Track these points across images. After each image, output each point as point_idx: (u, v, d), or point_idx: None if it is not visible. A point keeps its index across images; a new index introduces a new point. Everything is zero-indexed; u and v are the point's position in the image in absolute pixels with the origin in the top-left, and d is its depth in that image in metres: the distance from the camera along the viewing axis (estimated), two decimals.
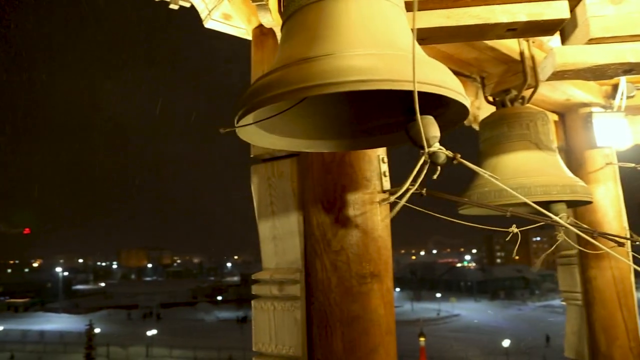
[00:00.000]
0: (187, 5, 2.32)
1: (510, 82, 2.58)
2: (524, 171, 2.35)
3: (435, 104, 1.16)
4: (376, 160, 1.80)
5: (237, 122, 1.12)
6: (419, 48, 1.10)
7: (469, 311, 63.03)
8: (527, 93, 2.56)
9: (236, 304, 77.20)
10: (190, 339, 49.20)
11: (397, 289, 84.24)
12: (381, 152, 1.84)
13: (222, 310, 76.65)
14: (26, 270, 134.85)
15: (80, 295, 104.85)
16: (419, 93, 0.96)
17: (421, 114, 1.03)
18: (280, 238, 1.96)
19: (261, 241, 2.01)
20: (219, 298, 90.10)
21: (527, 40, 2.50)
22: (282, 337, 1.92)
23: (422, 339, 31.27)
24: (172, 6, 2.26)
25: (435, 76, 0.97)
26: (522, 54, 2.47)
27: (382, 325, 1.75)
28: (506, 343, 37.41)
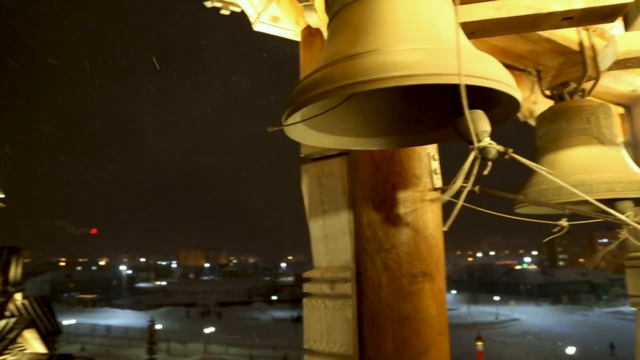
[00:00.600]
0: (238, 10, 2.37)
1: (569, 74, 2.46)
2: (585, 167, 2.24)
3: (485, 97, 1.13)
4: (426, 158, 1.77)
5: (285, 121, 1.14)
6: (466, 41, 1.08)
7: (530, 316, 60.54)
8: (587, 85, 2.43)
9: (290, 303, 78.11)
10: (246, 337, 50.20)
11: (453, 292, 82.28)
12: (431, 149, 1.81)
13: (276, 309, 77.76)
14: (93, 268, 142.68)
15: (143, 292, 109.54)
16: (468, 87, 0.94)
17: (470, 108, 1.01)
18: (331, 237, 1.97)
19: (312, 240, 2.03)
20: (274, 298, 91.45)
21: (587, 29, 2.38)
22: (333, 336, 1.93)
23: (479, 343, 30.38)
24: (222, 12, 2.32)
25: (484, 69, 0.95)
26: (581, 43, 2.35)
27: (434, 326, 1.73)
28: (571, 350, 35.61)
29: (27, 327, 19.95)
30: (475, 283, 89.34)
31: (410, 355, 1.70)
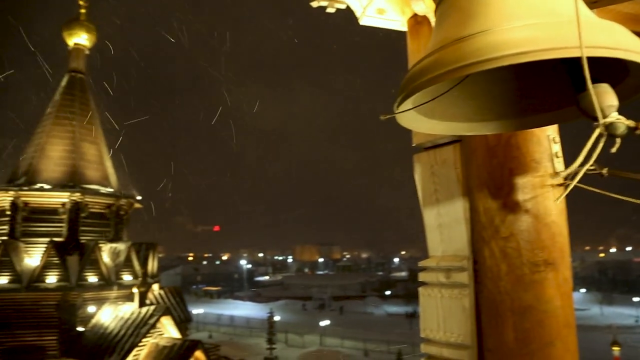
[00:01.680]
0: (343, 6, 2.43)
1: None
2: None
3: (612, 70, 1.06)
4: (546, 141, 1.68)
5: (397, 109, 1.16)
6: (587, 11, 1.02)
7: None
8: None
9: (404, 299, 77.42)
10: (360, 331, 50.75)
11: (582, 290, 75.55)
12: (552, 131, 1.72)
13: (390, 304, 77.56)
14: (217, 262, 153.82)
15: (262, 285, 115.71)
16: (590, 60, 0.89)
17: (594, 82, 0.95)
18: (445, 225, 1.96)
19: (426, 229, 2.03)
20: (388, 292, 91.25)
21: None
22: (450, 325, 1.92)
23: (616, 348, 27.56)
24: (329, 10, 2.39)
25: (608, 38, 0.89)
26: None
27: (559, 317, 1.64)
28: None
29: (164, 314, 22.01)
30: (609, 282, 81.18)
31: (534, 348, 1.63)
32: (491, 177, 1.73)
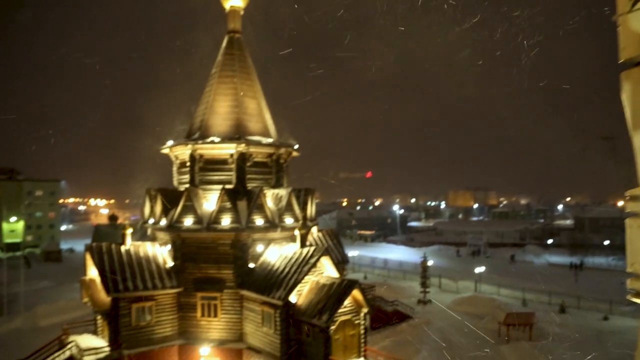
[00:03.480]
0: None
1: None
2: None
3: None
4: None
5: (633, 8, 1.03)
6: None
7: None
8: None
9: (569, 248, 71.76)
10: (518, 280, 48.60)
11: None
12: None
13: (552, 254, 72.58)
14: (370, 207, 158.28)
15: (414, 231, 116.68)
16: None
17: None
18: None
19: (636, 154, 1.82)
20: (549, 241, 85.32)
21: None
22: None
23: None
24: None
25: None
26: None
27: None
28: None
29: (323, 254, 23.55)
30: None
31: None
32: None
